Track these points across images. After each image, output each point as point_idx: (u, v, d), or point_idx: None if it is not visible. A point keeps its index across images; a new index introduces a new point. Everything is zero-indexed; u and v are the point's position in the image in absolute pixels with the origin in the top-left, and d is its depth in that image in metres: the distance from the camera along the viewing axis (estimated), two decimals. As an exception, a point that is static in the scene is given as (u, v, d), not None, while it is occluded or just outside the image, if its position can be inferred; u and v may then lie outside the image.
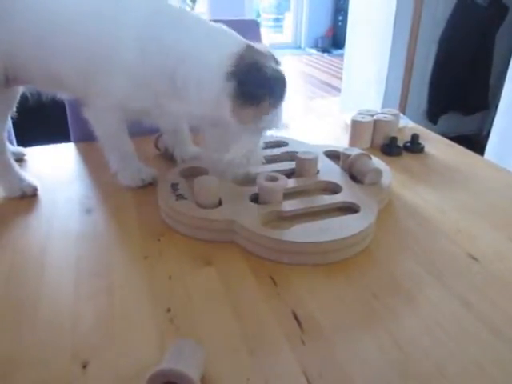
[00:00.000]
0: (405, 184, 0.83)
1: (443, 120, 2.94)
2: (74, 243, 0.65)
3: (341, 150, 0.82)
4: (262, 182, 0.68)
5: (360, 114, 1.01)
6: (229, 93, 0.61)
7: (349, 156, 0.78)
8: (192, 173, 0.77)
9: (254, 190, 0.70)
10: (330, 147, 0.89)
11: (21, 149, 0.92)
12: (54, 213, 0.72)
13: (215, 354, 0.46)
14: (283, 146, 0.89)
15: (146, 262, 0.61)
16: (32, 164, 0.89)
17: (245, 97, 0.61)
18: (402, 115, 1.10)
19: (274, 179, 0.69)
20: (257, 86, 0.60)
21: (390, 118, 0.99)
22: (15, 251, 0.63)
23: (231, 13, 4.03)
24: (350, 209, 0.69)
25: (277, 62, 0.65)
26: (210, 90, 0.63)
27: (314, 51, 6.34)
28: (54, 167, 0.89)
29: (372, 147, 0.98)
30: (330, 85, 4.68)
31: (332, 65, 5.62)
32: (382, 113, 1.02)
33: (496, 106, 2.11)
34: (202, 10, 4.34)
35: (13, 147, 0.89)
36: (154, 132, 0.92)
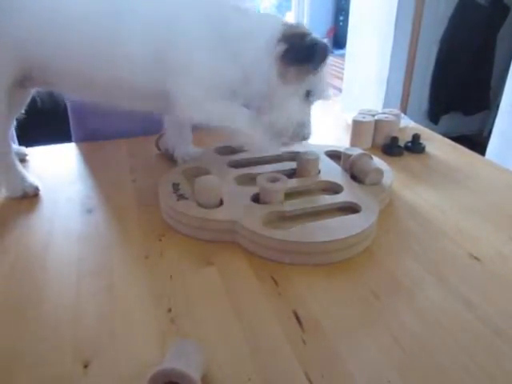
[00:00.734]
0: (406, 184, 0.83)
1: (444, 120, 2.93)
2: (76, 243, 0.65)
3: (342, 149, 0.82)
4: (262, 182, 0.68)
5: (361, 113, 1.01)
6: (276, 56, 0.67)
7: (350, 156, 0.78)
8: (193, 173, 0.77)
9: (255, 189, 0.70)
10: (331, 147, 0.89)
11: (23, 149, 0.92)
12: (56, 213, 0.72)
13: (216, 354, 0.46)
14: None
15: (147, 261, 0.61)
16: (33, 164, 0.89)
17: (289, 58, 0.66)
18: (403, 115, 1.10)
19: (274, 179, 0.69)
20: (299, 49, 0.66)
21: (391, 117, 0.99)
22: (17, 251, 0.63)
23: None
24: (351, 209, 0.68)
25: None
26: (264, 64, 0.67)
27: (314, 51, 6.33)
28: (55, 167, 0.89)
29: (373, 147, 0.98)
30: (330, 85, 4.66)
31: (333, 65, 5.62)
32: (383, 113, 1.02)
33: (497, 106, 2.11)
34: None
35: (15, 147, 0.89)
36: (154, 132, 0.93)
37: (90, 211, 0.73)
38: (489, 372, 0.44)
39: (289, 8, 6.83)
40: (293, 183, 0.74)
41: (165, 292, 0.55)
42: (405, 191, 0.80)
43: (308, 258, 0.60)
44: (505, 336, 0.49)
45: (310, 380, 0.43)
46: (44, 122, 1.22)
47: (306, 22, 6.38)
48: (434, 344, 0.48)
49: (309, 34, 0.67)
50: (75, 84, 0.74)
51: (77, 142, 1.05)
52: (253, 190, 0.70)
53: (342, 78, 3.30)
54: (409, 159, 0.94)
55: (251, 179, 0.74)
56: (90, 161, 0.92)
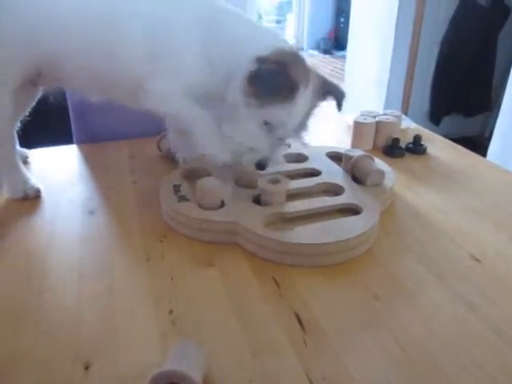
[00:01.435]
0: (407, 185, 0.82)
1: (445, 121, 2.93)
2: (77, 245, 0.65)
3: (343, 151, 0.82)
4: (264, 184, 0.68)
5: (362, 115, 1.01)
6: (245, 74, 0.65)
7: (351, 157, 0.78)
8: (194, 174, 0.77)
9: (257, 191, 0.70)
10: (332, 148, 0.89)
11: (24, 150, 0.92)
12: (57, 214, 0.72)
13: (217, 356, 0.46)
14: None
15: (148, 263, 0.61)
16: (35, 166, 0.89)
17: (253, 80, 0.64)
18: (404, 116, 1.10)
19: (276, 181, 0.69)
20: (265, 76, 0.63)
21: (392, 119, 0.99)
22: (18, 252, 0.63)
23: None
24: (352, 210, 0.68)
25: (303, 69, 0.68)
26: (239, 77, 0.66)
27: (315, 53, 6.33)
28: (56, 169, 0.89)
29: (374, 148, 0.98)
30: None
31: (334, 66, 5.62)
32: (384, 114, 1.02)
33: (498, 108, 2.11)
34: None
35: (17, 149, 0.89)
36: (155, 133, 0.93)
37: (91, 213, 0.73)
38: (490, 373, 0.44)
39: (289, 10, 6.84)
40: (294, 184, 0.74)
41: (166, 293, 0.55)
42: (406, 192, 0.80)
43: (309, 260, 0.60)
44: (506, 337, 0.49)
45: (311, 382, 0.43)
46: (45, 124, 1.22)
47: (306, 24, 6.39)
48: (434, 345, 0.48)
49: (286, 65, 0.64)
50: (80, 79, 0.76)
51: (78, 143, 1.05)
52: (254, 191, 0.70)
53: (342, 80, 3.30)
54: (410, 160, 0.94)
55: (252, 180, 0.74)
56: (92, 162, 0.92)
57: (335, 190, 0.74)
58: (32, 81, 0.75)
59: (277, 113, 0.65)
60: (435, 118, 2.92)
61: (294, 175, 0.78)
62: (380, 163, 0.81)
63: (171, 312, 0.52)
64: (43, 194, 0.78)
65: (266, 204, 0.68)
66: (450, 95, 2.86)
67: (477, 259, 0.62)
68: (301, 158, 0.85)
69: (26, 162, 0.89)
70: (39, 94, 0.82)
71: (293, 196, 0.71)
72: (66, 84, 0.79)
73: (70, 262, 0.61)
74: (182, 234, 0.66)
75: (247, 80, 0.64)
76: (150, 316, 0.51)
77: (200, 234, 0.65)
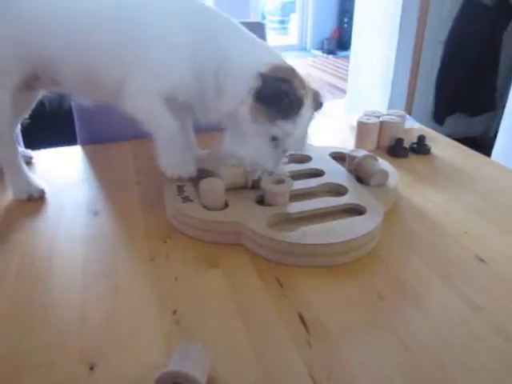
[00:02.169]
0: (411, 186, 0.82)
1: (450, 121, 2.92)
2: (81, 245, 0.65)
3: (347, 151, 0.82)
4: (267, 185, 0.68)
5: (366, 115, 1.00)
6: (250, 91, 0.65)
7: (355, 158, 0.78)
8: (198, 175, 0.77)
9: (260, 191, 0.70)
10: (335, 149, 0.89)
11: (28, 151, 0.93)
12: (61, 215, 0.73)
13: (221, 356, 0.46)
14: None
15: (152, 263, 0.61)
16: (39, 167, 0.90)
17: (260, 97, 0.65)
18: (408, 116, 1.10)
19: (279, 181, 0.69)
20: (271, 91, 0.64)
21: (396, 119, 0.98)
22: (23, 253, 0.63)
23: (236, 15, 4.02)
24: (356, 211, 0.68)
25: (302, 84, 0.68)
26: (242, 87, 0.66)
27: (319, 53, 6.33)
28: (60, 170, 0.90)
29: (378, 149, 0.98)
30: (335, 86, 4.67)
31: (337, 66, 5.61)
32: (388, 114, 1.02)
33: (503, 107, 2.10)
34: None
35: (21, 150, 0.89)
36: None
37: (95, 213, 0.73)
38: (495, 374, 0.44)
39: (293, 10, 6.84)
40: (297, 185, 0.74)
41: (170, 294, 0.55)
42: (410, 193, 0.80)
43: (313, 260, 0.60)
44: (511, 338, 0.48)
45: (315, 382, 0.43)
46: (49, 125, 1.23)
47: (310, 24, 6.38)
48: (439, 346, 0.47)
49: (290, 82, 0.65)
50: (72, 80, 0.76)
51: (82, 144, 1.05)
52: (257, 191, 0.70)
53: (346, 80, 3.30)
54: (414, 161, 0.93)
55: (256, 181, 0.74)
56: (95, 163, 0.93)
57: (339, 191, 0.74)
58: (29, 83, 0.75)
59: (285, 128, 0.66)
60: (439, 117, 2.91)
61: (297, 175, 0.78)
62: (384, 163, 0.81)
63: (175, 312, 0.52)
64: (47, 195, 0.78)
65: (269, 204, 0.68)
66: (454, 95, 2.85)
67: (482, 260, 0.62)
68: (304, 158, 0.85)
69: (30, 163, 0.90)
70: (39, 97, 0.83)
71: (296, 196, 0.71)
72: (60, 86, 0.79)
73: (74, 262, 0.61)
74: (186, 235, 0.67)
75: (254, 98, 0.65)
76: (153, 316, 0.52)
77: (204, 235, 0.65)
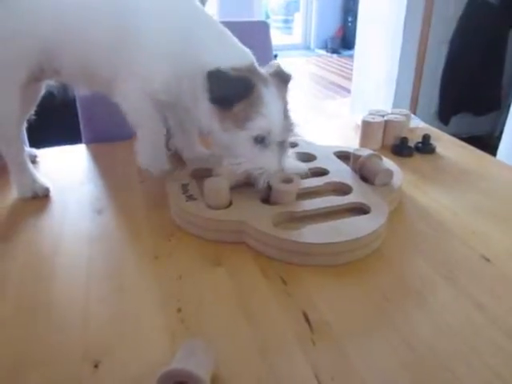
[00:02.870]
0: (416, 185, 0.82)
1: (454, 121, 2.91)
2: (85, 244, 0.65)
3: (351, 150, 0.82)
4: (276, 184, 0.68)
5: (370, 114, 1.00)
6: (207, 98, 0.65)
7: (359, 157, 0.77)
8: (202, 174, 0.77)
9: (265, 190, 0.70)
10: (340, 148, 0.89)
11: (33, 150, 0.93)
12: (66, 214, 0.73)
13: (225, 355, 0.46)
14: (294, 146, 0.89)
15: (156, 262, 0.61)
16: (44, 165, 0.90)
17: (213, 98, 0.64)
18: (412, 115, 1.09)
19: (288, 180, 0.68)
20: (218, 87, 0.63)
21: (400, 118, 0.98)
22: (27, 252, 0.63)
23: (240, 14, 4.03)
24: (360, 210, 0.68)
25: (254, 70, 0.67)
26: (202, 99, 0.66)
27: (323, 52, 6.33)
28: (65, 168, 0.90)
29: (383, 148, 0.97)
30: (339, 86, 4.66)
31: (341, 66, 5.61)
32: (392, 113, 1.01)
33: (508, 107, 2.09)
34: (211, 11, 4.36)
35: (26, 148, 0.90)
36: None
37: (99, 212, 0.73)
38: (499, 374, 0.44)
39: (297, 9, 6.83)
40: (302, 184, 0.73)
41: (174, 292, 0.55)
42: (415, 192, 0.79)
43: (317, 259, 0.60)
44: (517, 338, 0.48)
45: (319, 382, 0.43)
46: (54, 124, 1.23)
47: (314, 23, 6.38)
48: (444, 346, 0.47)
49: (229, 71, 0.63)
50: (74, 72, 0.77)
51: (86, 143, 1.06)
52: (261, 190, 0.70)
53: (350, 79, 3.29)
54: (419, 160, 0.93)
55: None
56: (100, 162, 0.93)
57: (343, 190, 0.74)
58: (36, 77, 0.75)
59: (257, 121, 0.64)
60: (444, 117, 2.90)
61: (302, 175, 0.77)
62: (388, 163, 0.81)
63: (179, 310, 0.52)
64: (52, 193, 0.78)
65: (275, 203, 0.68)
66: (459, 94, 2.83)
67: (487, 259, 0.62)
68: (309, 157, 0.85)
69: (34, 161, 0.90)
70: (42, 92, 0.83)
71: (301, 195, 0.71)
72: (62, 77, 0.80)
73: (78, 261, 0.61)
74: (190, 233, 0.67)
75: (211, 101, 0.65)
76: (158, 314, 0.52)
77: (208, 233, 0.65)
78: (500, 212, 0.74)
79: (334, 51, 6.25)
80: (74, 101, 1.04)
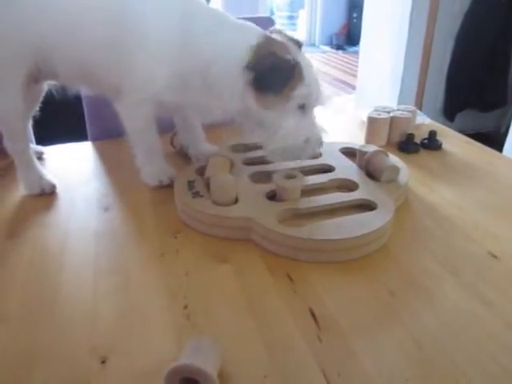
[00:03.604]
0: (422, 181, 0.82)
1: (460, 117, 2.89)
2: (92, 241, 0.65)
3: (357, 147, 0.82)
4: (279, 180, 0.68)
5: (376, 110, 1.00)
6: (248, 84, 0.65)
7: (365, 153, 0.77)
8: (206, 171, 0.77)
9: (270, 187, 0.70)
10: (345, 144, 0.89)
11: (40, 147, 0.93)
12: (72, 211, 0.73)
13: (232, 351, 0.46)
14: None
15: (162, 259, 0.61)
16: (50, 162, 0.90)
17: (259, 86, 0.65)
18: (418, 112, 1.09)
19: (291, 177, 0.68)
20: (266, 76, 0.64)
21: (406, 114, 0.98)
22: (34, 249, 0.64)
23: (245, 11, 4.01)
24: (366, 206, 0.68)
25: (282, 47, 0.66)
26: (236, 84, 0.66)
27: (328, 48, 6.30)
28: (71, 166, 0.90)
29: (388, 144, 0.97)
30: (344, 82, 4.65)
31: (346, 62, 5.58)
32: (398, 109, 1.01)
33: (515, 103, 2.07)
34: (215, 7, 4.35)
35: (32, 146, 0.90)
36: (169, 130, 0.93)
37: (106, 209, 0.73)
38: (507, 370, 0.44)
39: (302, 5, 6.81)
40: (308, 180, 0.73)
41: (180, 289, 0.55)
42: (421, 188, 0.79)
43: (323, 256, 0.60)
44: (525, 335, 0.48)
45: (326, 378, 0.43)
46: (60, 122, 1.23)
47: (319, 19, 6.35)
48: (451, 342, 0.47)
49: (275, 52, 0.63)
50: (74, 76, 0.77)
51: (92, 140, 1.06)
52: (267, 187, 0.70)
53: (355, 76, 3.28)
54: (425, 156, 0.93)
55: (266, 176, 0.74)
56: (106, 159, 0.93)
57: (349, 186, 0.74)
58: (35, 77, 0.75)
59: (300, 89, 0.65)
60: (450, 113, 2.88)
61: (307, 171, 0.77)
62: (394, 159, 0.81)
63: (186, 307, 0.52)
64: (58, 190, 0.79)
65: (280, 200, 0.68)
66: (465, 90, 2.81)
67: (494, 256, 0.61)
68: (314, 154, 0.84)
69: (41, 159, 0.90)
70: (45, 90, 0.83)
71: (307, 192, 0.71)
72: (62, 79, 0.79)
73: (85, 257, 0.62)
74: (197, 230, 0.67)
75: (254, 87, 0.65)
76: (164, 311, 0.52)
77: (214, 230, 0.65)
78: (507, 208, 0.73)
79: (339, 47, 6.23)
80: (79, 98, 1.04)
